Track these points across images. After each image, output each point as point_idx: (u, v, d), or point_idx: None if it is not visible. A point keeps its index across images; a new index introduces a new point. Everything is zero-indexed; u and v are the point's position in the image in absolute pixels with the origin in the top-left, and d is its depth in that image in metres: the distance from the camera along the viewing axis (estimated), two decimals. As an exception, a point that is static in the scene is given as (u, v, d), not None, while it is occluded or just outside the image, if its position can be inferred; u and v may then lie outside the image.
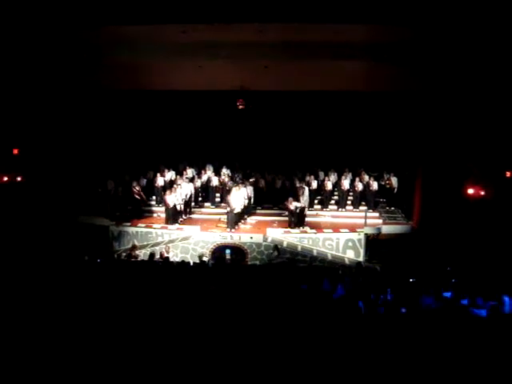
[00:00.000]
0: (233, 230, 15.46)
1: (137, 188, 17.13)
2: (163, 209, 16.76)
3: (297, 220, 15.89)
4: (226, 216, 16.15)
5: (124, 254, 14.58)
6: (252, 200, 17.36)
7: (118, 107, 17.35)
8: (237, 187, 16.15)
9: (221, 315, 6.41)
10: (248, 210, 17.10)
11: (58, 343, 5.53)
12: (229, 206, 15.70)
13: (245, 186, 16.73)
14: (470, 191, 12.63)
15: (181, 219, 16.59)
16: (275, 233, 15.40)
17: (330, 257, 14.82)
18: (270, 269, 12.45)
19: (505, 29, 10.15)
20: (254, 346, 5.50)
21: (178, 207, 16.29)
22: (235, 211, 15.65)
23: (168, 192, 16.16)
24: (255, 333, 5.84)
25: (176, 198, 16.17)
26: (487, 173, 12.46)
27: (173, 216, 16.11)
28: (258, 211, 17.64)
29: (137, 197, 17.11)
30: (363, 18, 10.54)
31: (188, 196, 16.94)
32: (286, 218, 16.45)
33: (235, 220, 15.86)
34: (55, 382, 4.93)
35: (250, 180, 17.89)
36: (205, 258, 13.01)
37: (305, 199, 15.90)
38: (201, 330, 5.87)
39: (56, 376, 4.98)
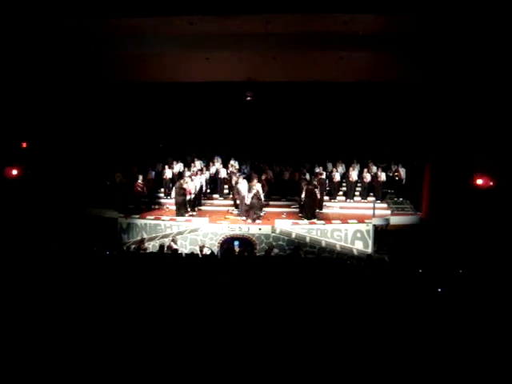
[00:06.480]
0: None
1: (140, 184, 16.97)
2: (172, 201, 16.80)
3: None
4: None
5: (133, 247, 14.66)
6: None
7: (125, 99, 17.37)
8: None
9: (230, 306, 6.44)
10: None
11: (68, 334, 5.59)
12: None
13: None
14: (479, 181, 12.55)
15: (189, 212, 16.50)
16: (284, 224, 15.42)
17: (338, 248, 14.84)
18: (278, 260, 12.48)
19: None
20: (263, 337, 5.53)
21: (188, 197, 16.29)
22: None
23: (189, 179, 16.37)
24: (265, 324, 5.87)
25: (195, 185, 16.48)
26: (496, 163, 12.37)
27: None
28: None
29: (139, 189, 17.02)
30: (373, 7, 10.48)
31: (198, 189, 16.91)
32: (295, 210, 16.45)
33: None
34: (64, 371, 5.00)
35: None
36: (205, 250, 13.03)
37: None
38: (211, 322, 5.91)
39: (65, 365, 5.05)
